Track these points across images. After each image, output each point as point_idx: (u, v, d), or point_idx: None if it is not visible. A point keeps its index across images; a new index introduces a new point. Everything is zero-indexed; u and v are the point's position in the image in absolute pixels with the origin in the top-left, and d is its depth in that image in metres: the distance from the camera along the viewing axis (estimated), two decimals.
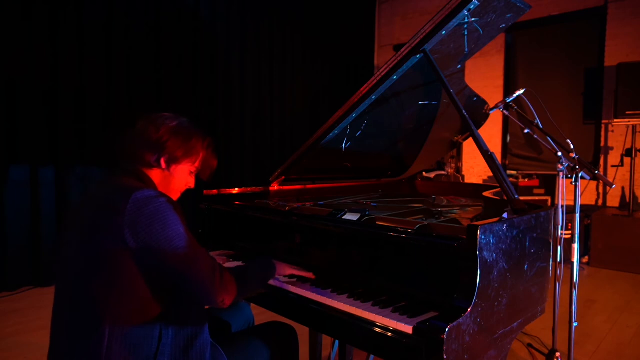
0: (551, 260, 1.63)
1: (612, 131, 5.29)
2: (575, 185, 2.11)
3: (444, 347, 1.09)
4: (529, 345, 2.70)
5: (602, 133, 5.38)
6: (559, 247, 2.11)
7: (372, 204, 2.21)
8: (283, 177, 2.38)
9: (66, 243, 1.24)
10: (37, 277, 3.87)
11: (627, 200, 4.99)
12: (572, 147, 2.16)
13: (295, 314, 1.52)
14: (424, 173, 5.62)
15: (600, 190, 5.43)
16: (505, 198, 1.57)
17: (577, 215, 2.14)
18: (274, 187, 2.40)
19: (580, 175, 2.08)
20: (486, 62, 6.14)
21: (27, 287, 3.83)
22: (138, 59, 4.42)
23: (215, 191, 2.19)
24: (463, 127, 2.64)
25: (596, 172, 2.15)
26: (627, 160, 4.86)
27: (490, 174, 4.80)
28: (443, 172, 6.10)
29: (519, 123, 2.26)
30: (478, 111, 2.53)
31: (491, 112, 2.39)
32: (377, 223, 1.63)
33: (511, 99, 2.19)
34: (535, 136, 2.19)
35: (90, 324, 1.13)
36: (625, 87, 4.65)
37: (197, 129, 1.40)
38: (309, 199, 2.45)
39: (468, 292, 1.19)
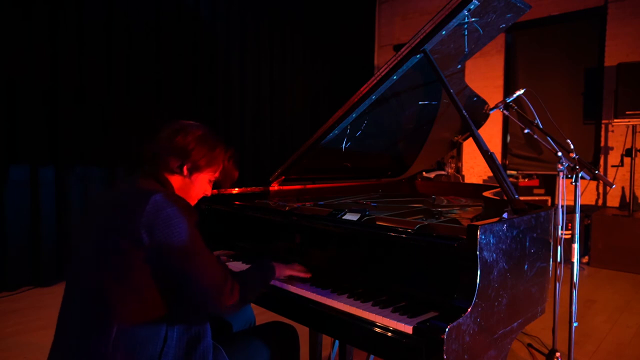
0: (551, 260, 1.63)
1: (612, 131, 5.29)
2: (575, 185, 2.11)
3: (444, 347, 1.09)
4: (529, 345, 2.70)
5: (602, 133, 5.38)
6: (559, 247, 2.11)
7: (372, 204, 2.21)
8: (283, 177, 2.38)
9: (82, 241, 1.26)
10: (37, 277, 3.87)
11: (627, 200, 4.99)
12: (572, 147, 2.16)
13: (295, 314, 1.52)
14: (424, 173, 5.62)
15: (600, 190, 5.43)
16: (505, 198, 1.57)
17: (577, 215, 2.14)
18: (274, 187, 2.40)
19: (580, 175, 2.08)
20: (486, 62, 6.14)
21: (27, 287, 3.83)
22: (138, 59, 4.42)
23: (215, 191, 2.18)
24: (463, 127, 2.64)
25: (596, 172, 2.15)
26: (627, 160, 4.86)
27: (490, 174, 4.80)
28: (443, 172, 6.10)
29: (519, 123, 2.26)
30: (478, 111, 2.53)
31: (491, 112, 2.39)
32: (377, 223, 1.63)
33: (511, 99, 2.19)
34: (535, 136, 2.19)
35: (99, 321, 1.15)
36: (625, 87, 4.65)
37: (221, 140, 1.44)
38: (309, 199, 2.45)
39: (468, 292, 1.19)
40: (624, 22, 5.16)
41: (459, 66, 2.28)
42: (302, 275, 1.57)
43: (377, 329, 1.24)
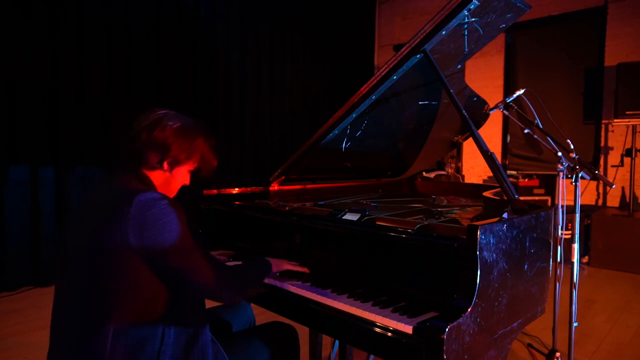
0: (551, 260, 1.63)
1: (612, 131, 5.29)
2: (575, 185, 2.11)
3: (444, 347, 1.09)
4: (529, 345, 2.70)
5: (602, 133, 5.38)
6: (559, 247, 2.11)
7: (372, 204, 2.21)
8: (283, 177, 2.38)
9: (69, 244, 1.24)
10: (37, 277, 3.87)
11: (627, 200, 4.99)
12: (572, 147, 2.16)
13: (295, 314, 1.52)
14: (424, 173, 5.62)
15: (600, 190, 5.43)
16: (505, 198, 1.57)
17: (577, 215, 2.14)
18: (274, 187, 2.40)
19: (580, 175, 2.08)
20: (486, 62, 6.14)
21: (27, 287, 3.83)
22: (138, 59, 4.42)
23: (215, 191, 2.18)
24: (463, 127, 2.64)
25: (596, 172, 2.15)
26: (627, 160, 4.86)
27: (490, 174, 4.80)
28: (443, 172, 6.10)
29: (519, 123, 2.26)
30: (478, 111, 2.53)
31: (491, 112, 2.39)
32: (377, 223, 1.63)
33: (511, 99, 2.19)
34: (535, 136, 2.19)
35: (94, 323, 1.14)
36: (625, 87, 4.65)
37: (200, 129, 1.38)
38: (309, 199, 2.45)
39: (468, 292, 1.19)
40: (624, 22, 5.16)
41: (459, 66, 2.28)
42: (299, 269, 1.58)
43: (377, 329, 1.24)
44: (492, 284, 1.25)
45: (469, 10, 1.75)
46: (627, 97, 4.64)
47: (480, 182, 6.14)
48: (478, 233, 1.20)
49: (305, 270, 1.59)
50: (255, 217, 1.95)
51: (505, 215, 1.44)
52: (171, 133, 1.30)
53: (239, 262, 1.80)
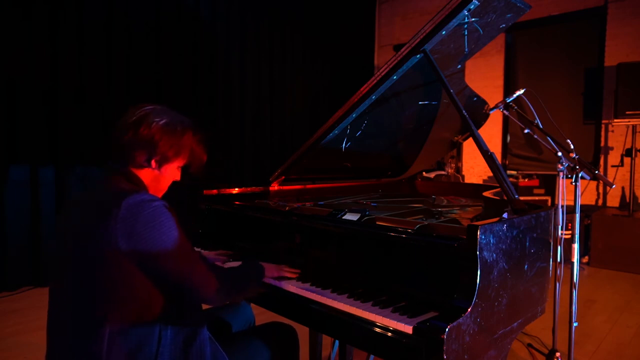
0: (551, 260, 1.63)
1: (612, 131, 5.29)
2: (575, 185, 2.11)
3: (444, 347, 1.09)
4: (529, 345, 2.70)
5: (602, 133, 5.38)
6: (559, 247, 2.11)
7: (372, 204, 2.21)
8: (283, 177, 2.38)
9: (60, 245, 1.22)
10: (37, 277, 3.87)
11: (627, 200, 4.99)
12: (572, 147, 2.16)
13: (295, 314, 1.52)
14: (424, 173, 5.62)
15: (600, 190, 5.43)
16: (505, 198, 1.57)
17: (577, 215, 2.14)
18: (274, 187, 2.40)
19: (580, 175, 2.08)
20: (486, 62, 6.14)
21: (27, 287, 3.83)
22: (138, 59, 4.42)
23: (215, 191, 2.18)
24: (463, 127, 2.64)
25: (596, 172, 2.15)
26: (627, 160, 4.86)
27: (490, 174, 4.80)
28: (443, 172, 6.10)
29: (519, 123, 2.26)
30: (478, 111, 2.53)
31: (491, 112, 2.39)
32: (377, 223, 1.63)
33: (511, 99, 2.19)
34: (535, 136, 2.19)
35: (90, 325, 1.13)
36: (625, 87, 4.65)
37: (188, 124, 1.34)
38: (309, 199, 2.45)
39: (468, 292, 1.19)
40: (624, 22, 5.16)
41: (459, 66, 2.28)
42: (291, 275, 1.57)
43: (377, 329, 1.24)
44: (492, 284, 1.25)
45: (469, 10, 1.75)
46: (627, 97, 4.64)
47: (480, 182, 6.14)
48: (478, 233, 1.20)
49: (294, 275, 1.58)
50: (255, 217, 1.95)
51: (505, 215, 1.44)
52: (157, 130, 1.26)
53: (240, 262, 1.79)
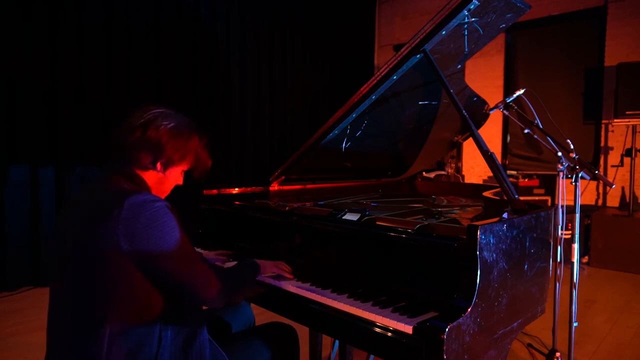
0: (551, 260, 1.63)
1: (612, 131, 5.29)
2: (575, 185, 2.11)
3: (444, 347, 1.09)
4: (529, 345, 2.70)
5: (602, 133, 5.38)
6: (559, 247, 2.11)
7: (372, 204, 2.21)
8: (283, 177, 2.38)
9: (60, 245, 1.22)
10: (37, 277, 3.87)
11: (627, 200, 4.99)
12: (572, 147, 2.16)
13: (295, 314, 1.52)
14: (424, 173, 5.62)
15: (600, 190, 5.43)
16: (505, 198, 1.57)
17: (577, 215, 2.14)
18: (274, 187, 2.40)
19: (580, 175, 2.08)
20: (486, 62, 6.14)
21: (27, 287, 3.84)
22: (138, 59, 4.42)
23: (215, 191, 2.18)
24: (463, 127, 2.64)
25: (596, 172, 2.15)
26: (627, 160, 4.86)
27: (490, 174, 4.80)
28: (443, 172, 6.10)
29: (519, 123, 2.26)
30: (478, 111, 2.53)
31: (491, 112, 2.39)
32: (377, 223, 1.63)
33: (511, 99, 2.19)
34: (535, 136, 2.19)
35: (90, 325, 1.12)
36: (625, 87, 4.65)
37: (194, 129, 1.35)
38: (309, 199, 2.45)
39: (468, 292, 1.19)
40: (624, 22, 5.16)
41: (459, 66, 2.28)
42: (285, 274, 1.57)
43: (377, 329, 1.24)
44: (492, 284, 1.25)
45: (469, 10, 1.75)
46: (627, 97, 4.64)
47: (480, 182, 6.14)
48: (478, 233, 1.20)
49: (290, 276, 1.58)
50: (255, 217, 1.95)
51: (505, 215, 1.44)
52: (165, 133, 1.26)
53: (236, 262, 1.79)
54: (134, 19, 4.38)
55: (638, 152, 4.75)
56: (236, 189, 2.27)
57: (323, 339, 2.10)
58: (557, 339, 2.34)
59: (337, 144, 2.30)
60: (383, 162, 2.88)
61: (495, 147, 6.11)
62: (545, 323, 2.75)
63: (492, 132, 6.08)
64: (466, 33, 1.94)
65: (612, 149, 5.30)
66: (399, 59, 1.88)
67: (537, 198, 5.25)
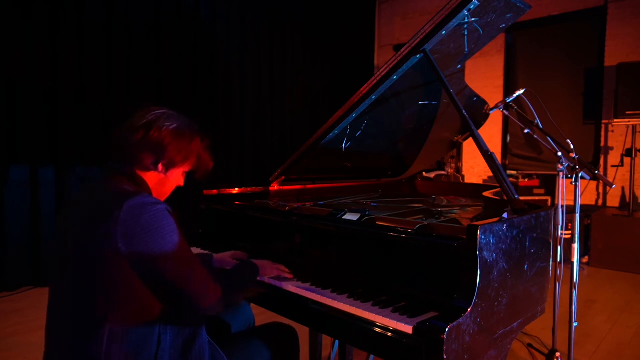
0: (551, 260, 1.63)
1: (612, 131, 5.29)
2: (575, 185, 2.11)
3: (444, 347, 1.09)
4: (529, 345, 2.70)
5: (602, 133, 5.38)
6: (559, 247, 2.11)
7: (372, 204, 2.21)
8: (283, 177, 2.38)
9: (60, 244, 1.21)
10: (37, 277, 3.87)
11: (627, 200, 4.99)
12: (572, 147, 2.16)
13: (295, 314, 1.52)
14: (424, 173, 5.62)
15: (600, 190, 5.43)
16: (505, 198, 1.57)
17: (577, 215, 2.14)
18: (274, 187, 2.40)
19: (580, 175, 2.08)
20: (486, 62, 6.14)
21: (27, 287, 3.84)
22: (138, 59, 4.42)
23: (215, 191, 2.19)
24: (463, 127, 2.64)
25: (596, 172, 2.15)
26: (627, 160, 4.86)
27: (490, 174, 4.80)
28: (443, 172, 6.10)
29: (519, 123, 2.26)
30: (478, 111, 2.53)
31: (491, 112, 2.39)
32: (377, 223, 1.63)
33: (511, 99, 2.19)
34: (535, 136, 2.19)
35: (89, 326, 1.12)
36: (625, 87, 4.65)
37: (196, 130, 1.35)
38: (309, 199, 2.45)
39: (468, 292, 1.19)
40: (624, 22, 5.16)
41: (459, 66, 2.28)
42: (285, 275, 1.57)
43: (377, 329, 1.24)
44: (492, 284, 1.25)
45: (469, 10, 1.75)
46: (627, 97, 4.64)
47: (480, 182, 6.14)
48: (478, 233, 1.20)
49: (290, 277, 1.58)
50: (255, 217, 1.95)
51: (505, 215, 1.44)
52: (168, 134, 1.26)
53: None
54: (134, 19, 4.38)
55: (638, 152, 4.75)
56: (236, 189, 2.27)
57: (323, 339, 2.10)
58: (557, 339, 2.34)
59: (337, 144, 2.30)
60: (383, 162, 2.88)
61: (495, 147, 6.11)
62: (545, 323, 2.75)
63: (492, 132, 6.09)
64: (466, 33, 1.94)
65: (612, 149, 5.30)
66: (399, 59, 1.88)
67: (537, 198, 5.25)
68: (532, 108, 2.34)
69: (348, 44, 6.82)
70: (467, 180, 6.22)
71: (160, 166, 1.28)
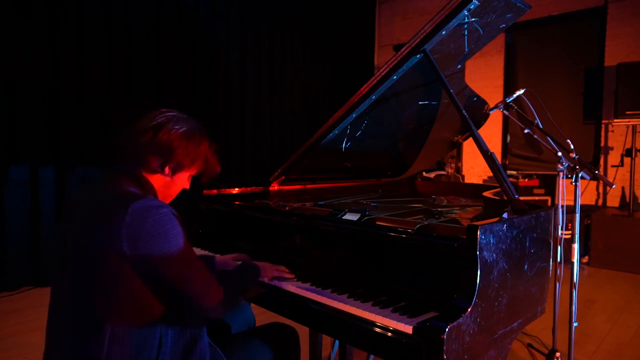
0: (551, 260, 1.63)
1: (612, 131, 5.29)
2: (575, 185, 2.11)
3: (444, 347, 1.09)
4: (529, 345, 2.70)
5: (602, 133, 5.38)
6: (559, 247, 2.11)
7: (372, 204, 2.21)
8: (283, 177, 2.38)
9: (61, 244, 1.21)
10: (37, 277, 3.87)
11: (627, 200, 4.99)
12: (572, 147, 2.16)
13: (295, 314, 1.52)
14: (424, 173, 5.62)
15: (600, 190, 5.43)
16: (505, 198, 1.57)
17: (577, 215, 2.14)
18: (274, 187, 2.40)
19: (580, 175, 2.08)
20: (486, 62, 6.14)
21: (27, 287, 3.83)
22: (138, 59, 4.42)
23: (215, 191, 2.18)
24: (463, 127, 2.64)
25: (596, 172, 2.15)
26: (627, 160, 4.86)
27: (490, 174, 4.80)
28: (443, 172, 6.10)
29: (519, 123, 2.26)
30: (478, 111, 2.53)
31: (491, 112, 2.39)
32: (377, 223, 1.63)
33: (511, 99, 2.19)
34: (535, 136, 2.19)
35: (90, 327, 1.12)
36: (625, 87, 4.65)
37: (205, 134, 1.34)
38: (309, 199, 2.45)
39: (468, 292, 1.19)
40: (624, 22, 5.16)
41: (459, 66, 2.28)
42: (286, 275, 1.57)
43: (377, 329, 1.24)
44: (492, 284, 1.25)
45: (469, 10, 1.75)
46: (627, 97, 4.64)
47: (480, 182, 6.14)
48: (478, 233, 1.20)
49: (292, 276, 1.58)
50: (255, 217, 1.95)
51: (505, 215, 1.44)
52: (176, 137, 1.25)
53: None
54: (134, 19, 4.38)
55: (638, 152, 4.75)
56: (236, 189, 2.27)
57: (323, 339, 2.10)
58: (557, 339, 2.34)
59: (337, 144, 2.30)
60: (383, 162, 2.88)
61: (495, 147, 6.11)
62: (545, 323, 2.75)
63: (492, 132, 6.09)
64: (466, 33, 1.94)
65: (612, 149, 5.30)
66: (399, 59, 1.88)
67: (537, 198, 5.25)
68: (532, 108, 2.34)
69: (348, 44, 6.82)
70: (467, 180, 6.22)
71: (167, 169, 1.28)
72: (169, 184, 1.31)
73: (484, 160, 1.58)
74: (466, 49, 2.07)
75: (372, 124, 2.29)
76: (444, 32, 1.80)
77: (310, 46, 6.28)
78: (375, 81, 1.94)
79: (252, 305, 1.84)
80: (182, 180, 1.34)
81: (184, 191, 1.39)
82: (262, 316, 1.85)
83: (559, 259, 2.12)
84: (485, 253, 1.22)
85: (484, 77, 6.17)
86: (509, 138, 6.16)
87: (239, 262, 1.70)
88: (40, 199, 3.87)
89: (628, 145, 4.82)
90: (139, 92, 4.41)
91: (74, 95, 4.00)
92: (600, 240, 4.72)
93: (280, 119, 6.00)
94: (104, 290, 1.12)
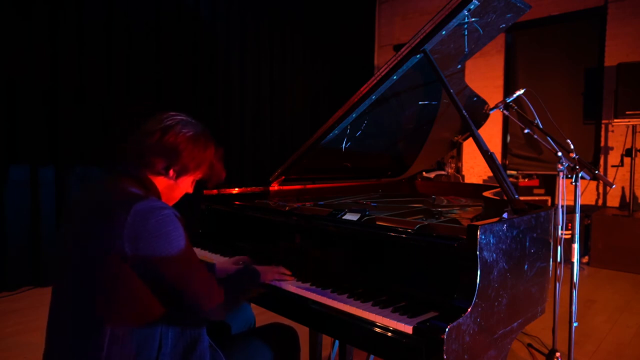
0: (551, 260, 1.63)
1: (612, 131, 5.29)
2: (575, 185, 2.11)
3: (444, 347, 1.09)
4: (529, 345, 2.70)
5: (602, 133, 5.38)
6: (559, 247, 2.11)
7: (372, 204, 2.21)
8: (283, 177, 2.38)
9: (62, 244, 1.21)
10: (37, 277, 3.87)
11: (627, 200, 4.99)
12: (572, 147, 2.16)
13: (295, 314, 1.52)
14: (424, 173, 5.62)
15: (600, 190, 5.43)
16: (505, 198, 1.57)
17: (577, 215, 2.14)
18: (274, 187, 2.40)
19: (580, 175, 2.08)
20: (486, 62, 6.14)
21: (27, 287, 3.83)
22: (138, 59, 4.42)
23: (215, 191, 2.18)
24: (463, 127, 2.64)
25: (596, 172, 2.15)
26: (627, 160, 4.86)
27: (490, 174, 4.80)
28: (443, 172, 6.10)
29: (519, 123, 2.26)
30: (478, 111, 2.53)
31: (491, 112, 2.39)
32: (377, 223, 1.63)
33: (511, 99, 2.19)
34: (535, 136, 2.19)
35: (90, 328, 1.12)
36: (625, 87, 4.65)
37: (211, 139, 1.35)
38: (309, 199, 2.45)
39: (468, 292, 1.19)
40: (624, 22, 5.16)
41: (459, 66, 2.28)
42: (286, 277, 1.57)
43: (377, 329, 1.24)
44: (492, 284, 1.25)
45: (469, 10, 1.75)
46: (627, 97, 4.64)
47: (480, 182, 6.14)
48: (478, 233, 1.20)
49: (289, 274, 1.58)
50: (255, 217, 1.95)
51: (505, 215, 1.44)
52: (183, 140, 1.26)
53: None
54: (134, 19, 4.38)
55: (638, 152, 4.75)
56: (236, 189, 2.27)
57: (323, 339, 2.10)
58: (557, 339, 2.34)
59: (337, 144, 2.30)
60: (383, 162, 2.88)
61: (495, 147, 6.11)
62: (545, 323, 2.75)
63: (492, 132, 6.09)
64: (466, 33, 1.94)
65: (612, 149, 5.30)
66: (399, 59, 1.87)
67: (537, 198, 5.25)
68: (532, 108, 2.34)
69: (348, 44, 6.82)
70: (467, 180, 6.22)
71: (171, 172, 1.28)
72: (173, 187, 1.31)
73: (484, 160, 1.58)
74: (466, 49, 2.07)
75: (372, 124, 2.29)
76: (444, 32, 1.80)
77: (310, 46, 6.28)
78: (375, 81, 1.94)
79: (252, 305, 1.84)
80: (186, 184, 1.34)
81: (188, 194, 1.40)
82: (262, 316, 1.85)
83: (559, 259, 2.12)
84: (485, 253, 1.22)
85: (484, 77, 6.17)
86: (509, 138, 6.16)
87: (240, 266, 1.70)
88: (40, 199, 3.87)
89: (628, 145, 4.82)
90: (139, 92, 4.40)
91: (74, 95, 4.00)
92: (600, 240, 4.72)
93: (280, 119, 6.00)
94: (104, 291, 1.12)
